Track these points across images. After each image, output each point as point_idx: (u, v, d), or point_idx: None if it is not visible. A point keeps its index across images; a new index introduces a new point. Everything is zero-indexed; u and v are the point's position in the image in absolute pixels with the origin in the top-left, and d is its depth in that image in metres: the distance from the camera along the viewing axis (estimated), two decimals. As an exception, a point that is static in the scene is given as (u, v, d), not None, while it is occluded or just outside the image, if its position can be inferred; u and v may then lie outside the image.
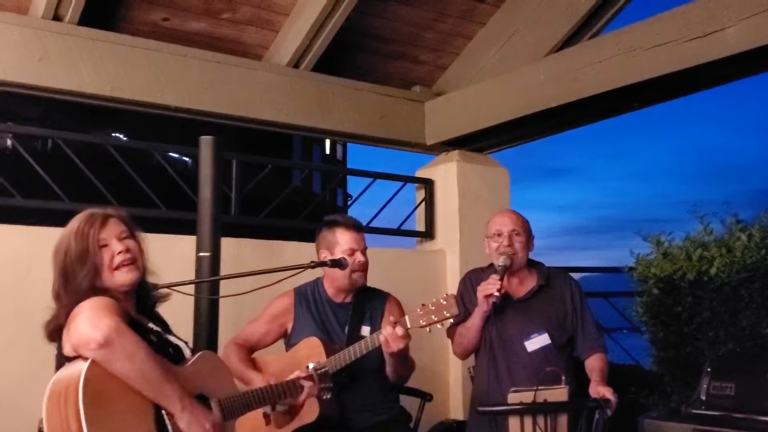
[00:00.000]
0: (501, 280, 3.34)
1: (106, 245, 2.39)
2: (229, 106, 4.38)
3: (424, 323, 3.03)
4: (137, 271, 2.43)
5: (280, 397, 2.73)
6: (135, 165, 4.43)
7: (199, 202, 3.62)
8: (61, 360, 2.29)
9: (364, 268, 3.42)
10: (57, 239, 2.43)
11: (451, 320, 3.14)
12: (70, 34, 3.92)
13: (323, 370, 2.84)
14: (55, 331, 2.33)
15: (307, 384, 2.78)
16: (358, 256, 3.39)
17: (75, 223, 2.43)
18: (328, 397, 2.86)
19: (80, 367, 2.14)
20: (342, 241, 3.39)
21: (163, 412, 2.25)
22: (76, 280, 2.34)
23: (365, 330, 3.35)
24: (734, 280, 4.11)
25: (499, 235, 3.49)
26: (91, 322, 2.17)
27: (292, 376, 2.81)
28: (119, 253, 2.39)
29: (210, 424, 2.33)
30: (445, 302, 3.04)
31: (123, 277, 2.40)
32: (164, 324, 2.59)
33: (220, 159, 3.68)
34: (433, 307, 3.04)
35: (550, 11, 4.64)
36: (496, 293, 3.30)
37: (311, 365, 2.85)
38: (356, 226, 3.46)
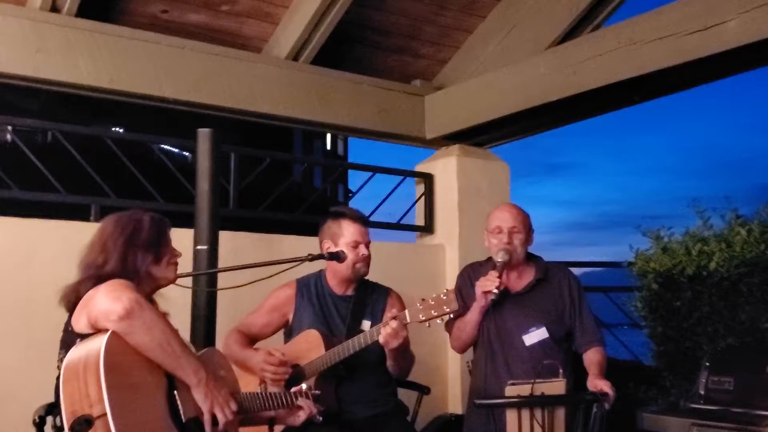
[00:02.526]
0: (500, 276, 3.33)
1: (170, 242, 2.62)
2: (228, 99, 4.36)
3: (423, 318, 3.03)
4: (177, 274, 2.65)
5: (277, 406, 2.80)
6: (134, 158, 4.42)
7: (197, 195, 3.61)
8: (71, 337, 2.31)
9: (367, 261, 3.42)
10: (113, 220, 2.54)
11: (451, 315, 3.13)
12: (68, 25, 3.91)
13: (315, 392, 2.93)
14: (71, 302, 2.39)
15: (305, 412, 2.84)
16: (362, 249, 3.39)
17: (143, 213, 2.60)
18: (321, 419, 2.89)
19: (100, 339, 2.18)
20: (347, 233, 3.39)
21: (175, 392, 2.29)
22: (136, 258, 2.47)
23: (366, 324, 3.35)
24: (733, 274, 4.11)
25: (499, 231, 3.47)
26: (112, 296, 2.24)
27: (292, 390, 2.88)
28: (177, 253, 2.63)
29: (223, 398, 2.38)
30: (445, 297, 3.04)
31: (173, 274, 2.60)
32: None
33: (218, 152, 3.66)
34: (433, 302, 3.03)
35: (551, 4, 4.62)
36: (495, 290, 3.29)
37: (304, 386, 2.91)
38: (362, 220, 3.46)
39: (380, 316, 3.36)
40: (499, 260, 3.39)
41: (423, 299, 3.06)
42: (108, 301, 2.23)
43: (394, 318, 3.05)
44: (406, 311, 3.06)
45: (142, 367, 2.24)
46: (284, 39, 4.53)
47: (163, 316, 2.40)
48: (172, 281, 2.62)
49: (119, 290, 2.26)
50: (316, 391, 2.94)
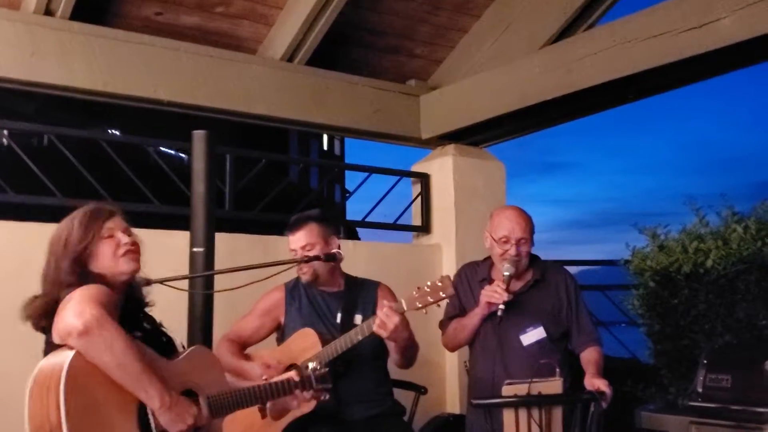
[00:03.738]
0: (507, 289, 3.30)
1: (111, 236, 2.43)
2: (223, 101, 4.36)
3: (420, 305, 2.99)
4: (138, 263, 2.46)
5: (271, 397, 2.68)
6: (131, 161, 4.41)
7: (193, 197, 3.60)
8: (50, 348, 2.28)
9: (308, 269, 3.37)
10: (57, 227, 2.45)
11: (447, 300, 3.10)
12: (63, 29, 3.90)
13: (322, 371, 2.75)
14: (39, 317, 2.34)
15: (300, 395, 2.71)
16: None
17: (80, 212, 2.46)
18: (327, 398, 2.79)
19: (65, 357, 2.13)
20: (290, 245, 3.40)
21: (149, 409, 2.23)
22: (65, 262, 2.36)
23: (358, 319, 3.34)
24: (730, 272, 4.12)
25: (506, 241, 3.42)
26: (75, 311, 2.17)
27: (285, 376, 2.74)
28: (125, 243, 2.43)
29: (192, 419, 2.30)
30: (440, 283, 3.01)
31: (126, 266, 2.42)
32: (152, 320, 2.58)
33: (213, 153, 3.65)
34: (429, 289, 3.00)
35: (545, 3, 4.62)
36: (501, 306, 3.28)
37: (311, 365, 2.76)
38: (291, 227, 3.42)
39: (372, 310, 3.35)
40: (506, 273, 3.36)
41: (418, 287, 3.02)
42: (71, 316, 2.16)
43: (389, 307, 3.01)
44: (403, 300, 3.03)
45: (111, 382, 2.17)
46: (279, 40, 4.53)
47: (127, 334, 2.23)
48: (129, 273, 2.43)
49: (84, 304, 2.18)
50: (323, 369, 2.76)
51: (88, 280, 2.33)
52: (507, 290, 3.29)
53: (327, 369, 2.78)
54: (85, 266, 2.38)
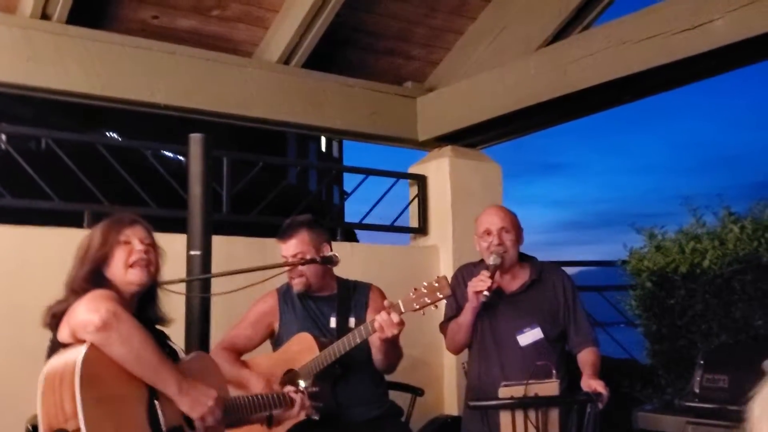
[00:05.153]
0: (492, 277, 3.32)
1: (128, 242, 2.47)
2: (220, 104, 4.37)
3: (417, 306, 2.99)
4: (149, 274, 2.48)
5: (269, 408, 2.74)
6: (128, 164, 4.42)
7: (190, 200, 3.60)
8: (55, 347, 2.30)
9: (301, 280, 3.37)
10: (83, 239, 2.53)
11: (444, 301, 3.11)
12: (59, 33, 3.91)
13: (314, 390, 2.84)
14: (54, 317, 2.35)
15: (298, 404, 2.79)
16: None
17: (105, 221, 2.53)
18: (317, 417, 2.85)
19: (78, 351, 2.16)
20: (281, 253, 3.39)
21: (156, 402, 2.27)
22: (86, 265, 2.42)
23: (352, 322, 3.34)
24: (727, 272, 4.12)
25: (489, 233, 3.46)
26: (90, 307, 2.21)
27: (285, 390, 2.81)
28: (138, 251, 2.46)
29: (212, 401, 2.36)
30: (437, 284, 3.01)
31: (134, 276, 2.45)
32: (161, 334, 2.60)
33: (210, 156, 3.66)
34: (426, 290, 3.00)
35: (540, 5, 4.63)
36: (486, 292, 3.29)
37: (302, 383, 2.84)
38: (282, 235, 3.41)
39: (364, 312, 3.37)
40: (492, 263, 3.37)
41: (415, 288, 3.02)
42: (86, 313, 2.20)
43: (391, 307, 3.01)
44: (400, 301, 3.01)
45: (121, 377, 2.21)
46: (275, 43, 4.53)
47: (143, 327, 2.31)
48: (137, 284, 2.46)
49: (98, 301, 2.24)
50: (314, 388, 2.87)
51: (101, 285, 2.37)
52: (491, 278, 3.30)
53: (317, 389, 2.86)
54: (101, 270, 2.43)
